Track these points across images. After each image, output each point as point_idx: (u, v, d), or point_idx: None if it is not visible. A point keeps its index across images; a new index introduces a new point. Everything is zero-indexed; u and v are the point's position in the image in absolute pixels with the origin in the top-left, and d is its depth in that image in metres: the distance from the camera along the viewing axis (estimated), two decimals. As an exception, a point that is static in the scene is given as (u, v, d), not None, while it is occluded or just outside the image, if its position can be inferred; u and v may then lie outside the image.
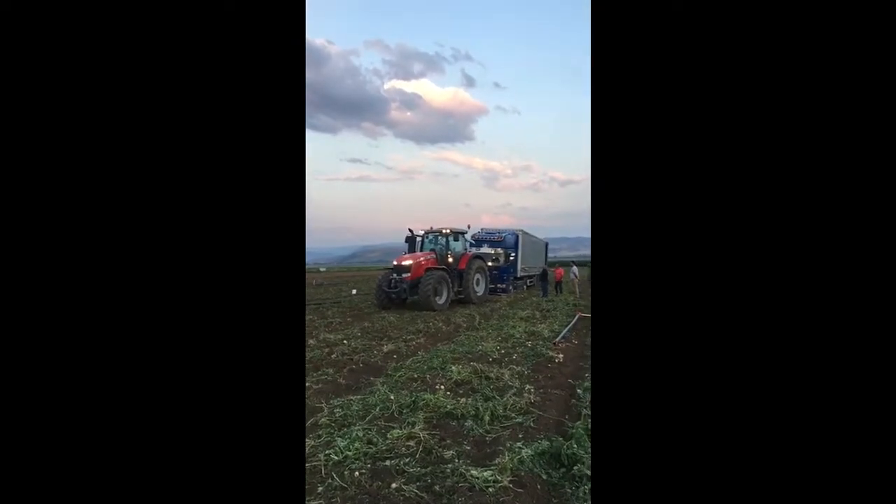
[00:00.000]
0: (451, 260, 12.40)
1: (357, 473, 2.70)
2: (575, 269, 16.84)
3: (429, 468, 2.78)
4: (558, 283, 16.78)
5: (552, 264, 21.47)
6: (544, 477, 2.71)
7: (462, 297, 12.41)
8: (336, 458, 2.88)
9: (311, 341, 7.00)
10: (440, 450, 3.05)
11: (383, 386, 4.51)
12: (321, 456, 2.90)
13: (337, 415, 3.73)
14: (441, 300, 11.33)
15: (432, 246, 13.06)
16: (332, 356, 5.97)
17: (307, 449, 3.03)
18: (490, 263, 14.43)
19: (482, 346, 6.42)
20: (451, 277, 12.02)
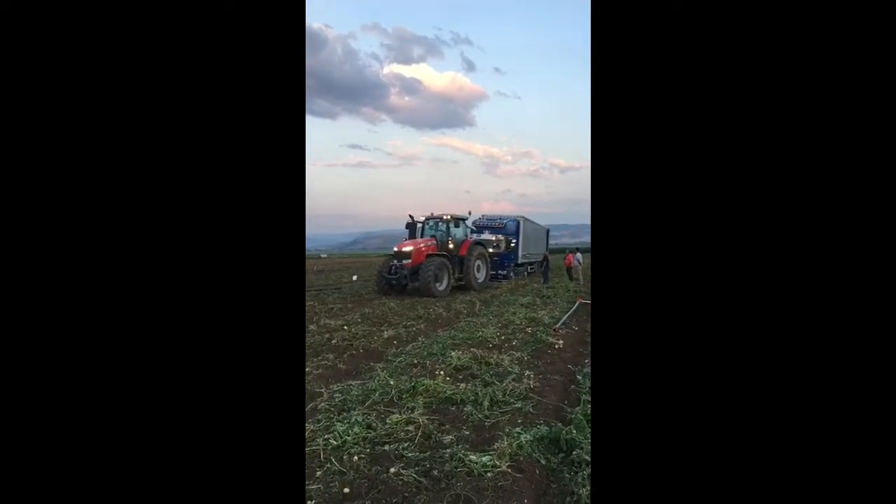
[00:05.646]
0: (451, 246, 12.36)
1: (356, 458, 2.71)
2: (579, 255, 16.81)
3: (427, 453, 2.79)
4: (569, 269, 16.70)
5: (560, 251, 21.33)
6: (543, 462, 2.71)
7: (463, 283, 12.40)
8: (335, 442, 2.89)
9: (311, 327, 7.01)
10: (439, 435, 3.06)
11: (383, 371, 4.52)
12: (320, 440, 2.91)
13: (336, 399, 3.73)
14: (441, 286, 11.32)
15: (433, 232, 13.01)
16: (333, 341, 5.98)
17: (306, 434, 3.03)
18: (491, 250, 14.40)
19: (482, 332, 6.42)
20: (452, 264, 12.00)
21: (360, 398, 3.74)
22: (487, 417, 3.38)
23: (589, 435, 2.83)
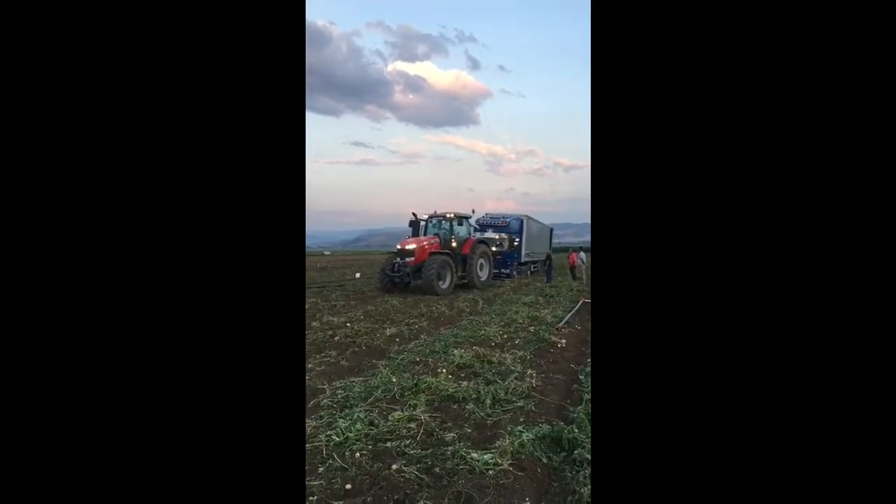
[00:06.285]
0: (454, 244, 12.36)
1: (358, 454, 2.72)
2: (582, 254, 16.78)
3: (429, 450, 2.80)
4: (572, 268, 16.63)
5: (563, 250, 21.17)
6: (545, 461, 2.72)
7: (465, 281, 12.40)
8: (337, 439, 2.90)
9: (314, 323, 7.03)
10: (441, 432, 3.07)
11: (385, 368, 4.53)
12: (322, 437, 2.93)
13: (339, 396, 3.75)
14: (444, 284, 11.33)
15: (436, 230, 13.02)
16: (335, 338, 6.00)
17: (309, 430, 3.05)
18: (494, 248, 14.40)
19: (485, 330, 6.42)
20: (455, 262, 12.00)
21: (363, 395, 3.75)
22: (489, 415, 3.38)
23: (591, 434, 2.83)
